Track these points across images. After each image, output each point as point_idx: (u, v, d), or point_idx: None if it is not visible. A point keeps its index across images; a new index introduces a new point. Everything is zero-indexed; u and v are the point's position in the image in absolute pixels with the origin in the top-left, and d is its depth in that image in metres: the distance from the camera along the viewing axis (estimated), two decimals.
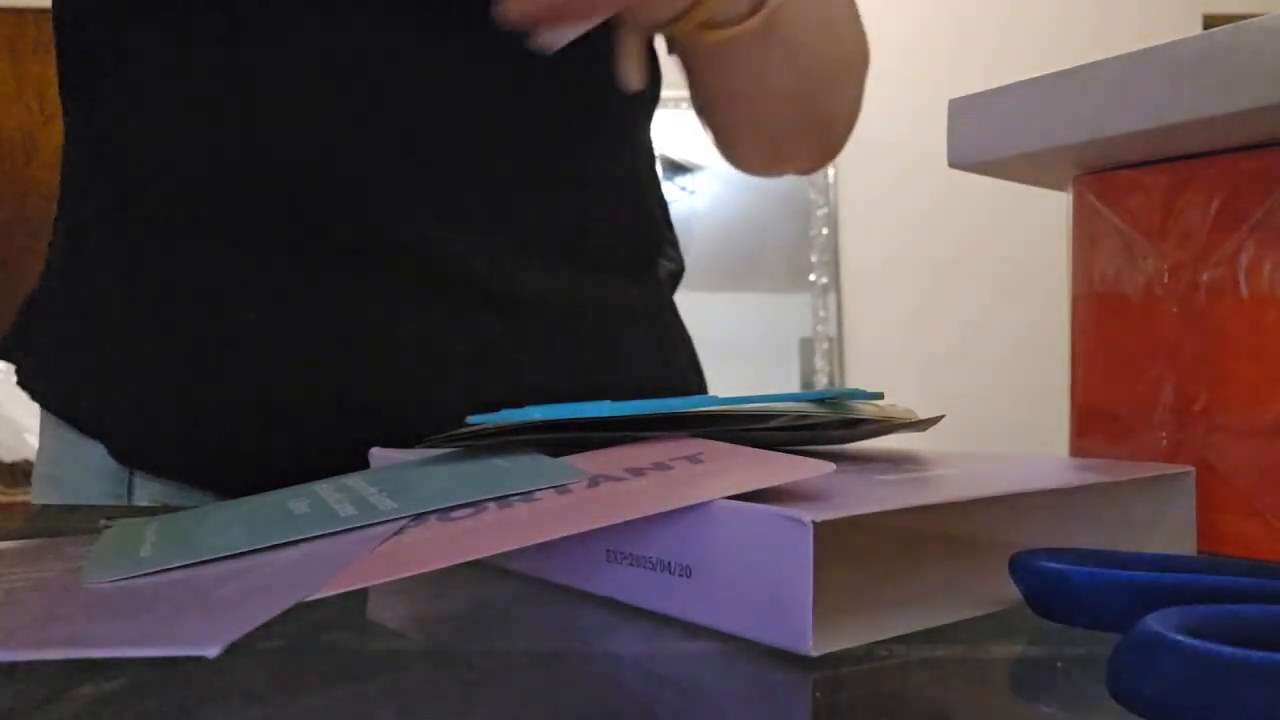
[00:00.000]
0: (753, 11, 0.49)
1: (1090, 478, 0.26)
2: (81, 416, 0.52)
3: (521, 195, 0.51)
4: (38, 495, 0.56)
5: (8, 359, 0.55)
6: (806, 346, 2.89)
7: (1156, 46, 0.30)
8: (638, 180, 0.58)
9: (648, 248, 0.59)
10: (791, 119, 0.59)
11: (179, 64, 0.48)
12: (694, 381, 0.61)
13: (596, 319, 0.54)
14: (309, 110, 0.47)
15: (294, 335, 0.48)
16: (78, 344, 0.52)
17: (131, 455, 0.51)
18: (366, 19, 0.47)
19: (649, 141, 0.60)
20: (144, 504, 0.50)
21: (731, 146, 0.61)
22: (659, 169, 0.62)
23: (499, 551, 0.20)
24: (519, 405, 0.38)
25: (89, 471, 0.52)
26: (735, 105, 0.58)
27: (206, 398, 0.48)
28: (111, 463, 0.51)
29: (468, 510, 0.24)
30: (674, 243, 0.61)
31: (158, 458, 0.50)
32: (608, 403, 0.29)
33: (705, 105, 0.59)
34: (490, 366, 0.50)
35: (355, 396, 0.48)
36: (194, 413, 0.48)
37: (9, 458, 1.44)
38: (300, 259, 0.48)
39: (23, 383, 0.55)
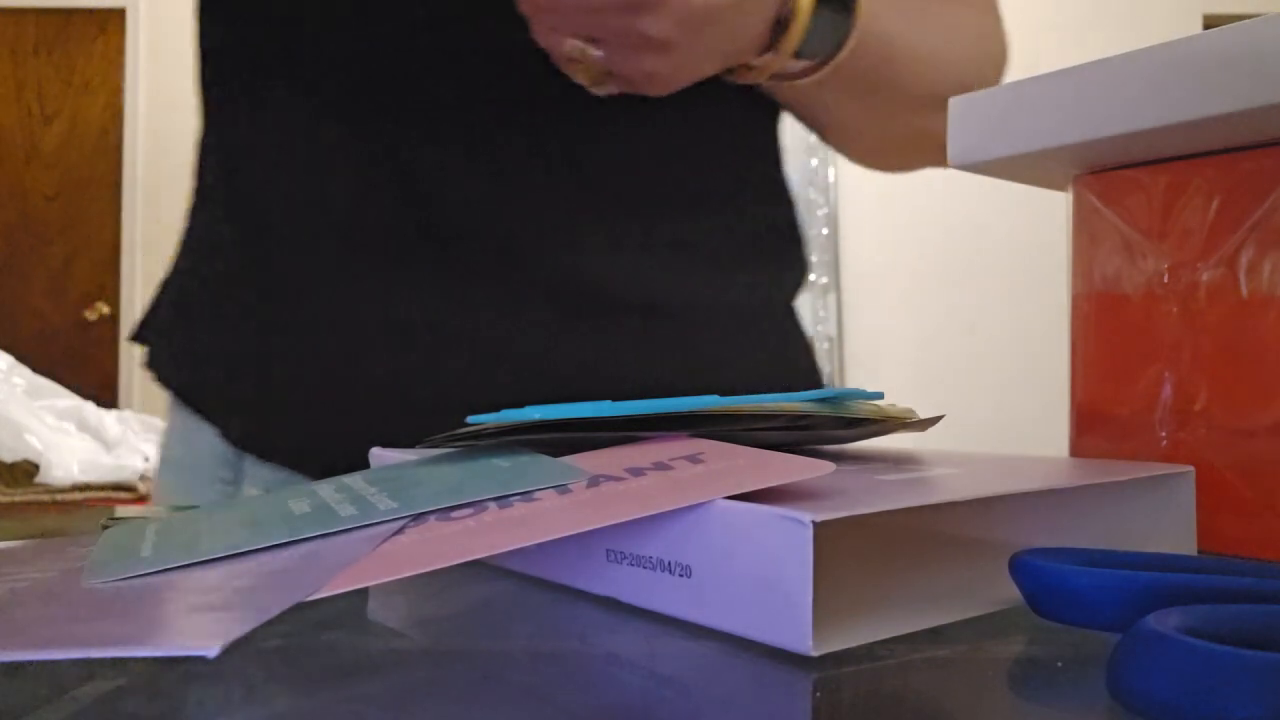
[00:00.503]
0: (816, 68, 0.47)
1: (1090, 478, 0.26)
2: (198, 398, 0.53)
3: (646, 197, 0.51)
4: (159, 476, 0.58)
5: (141, 342, 0.57)
6: None
7: (1156, 46, 0.30)
8: (767, 180, 0.57)
9: (776, 249, 0.57)
10: (881, 142, 0.58)
11: (321, 73, 0.49)
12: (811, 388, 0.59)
13: (717, 321, 0.53)
14: (447, 126, 0.48)
15: (414, 328, 0.48)
16: (200, 325, 0.53)
17: (245, 439, 0.51)
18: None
19: (777, 142, 0.58)
20: (251, 493, 0.52)
21: (837, 150, 0.60)
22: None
23: (499, 551, 0.20)
24: None
25: (203, 455, 0.53)
26: (815, 127, 0.57)
27: (325, 384, 0.49)
28: (223, 447, 0.52)
29: (468, 510, 0.24)
30: (800, 245, 0.60)
31: (271, 440, 0.51)
32: (607, 403, 0.29)
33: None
34: (606, 368, 0.49)
35: (473, 390, 0.48)
36: (310, 398, 0.49)
37: (9, 458, 1.44)
38: (423, 255, 0.48)
39: (150, 364, 0.56)
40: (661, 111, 0.48)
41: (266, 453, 0.51)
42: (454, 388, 0.48)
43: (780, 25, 0.45)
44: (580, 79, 0.44)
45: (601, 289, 0.50)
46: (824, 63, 0.47)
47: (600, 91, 0.44)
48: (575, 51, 0.42)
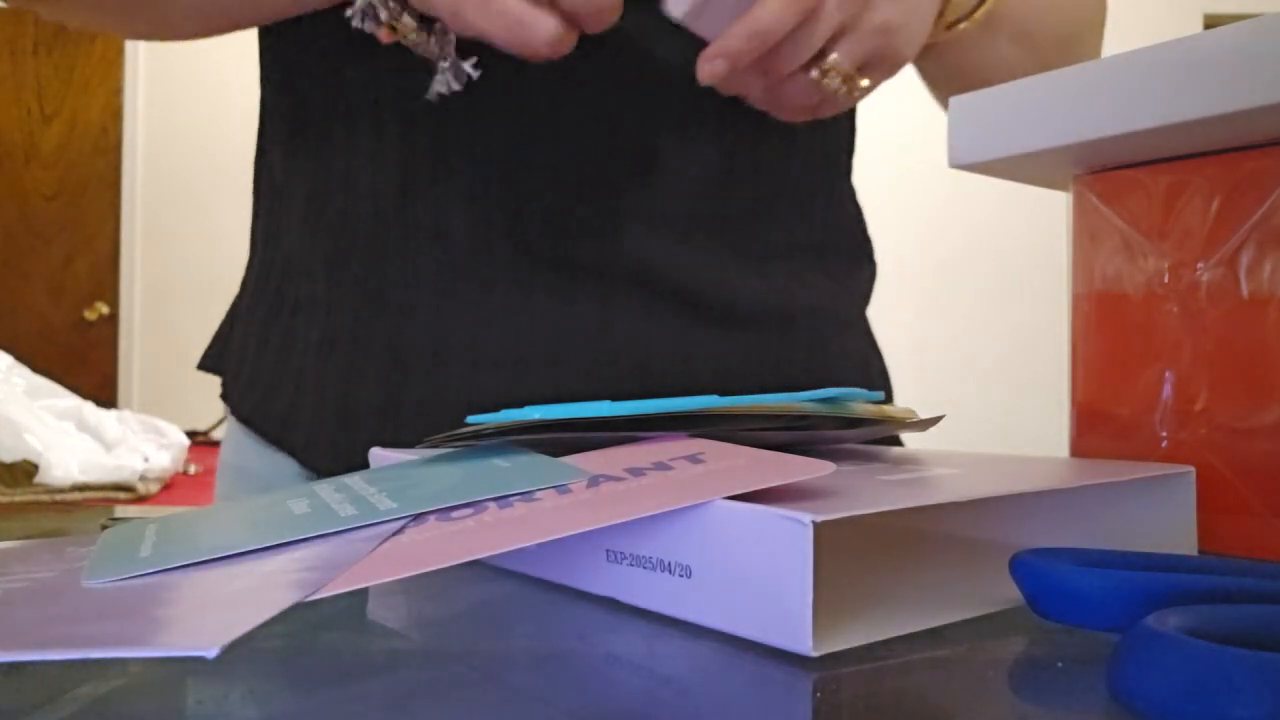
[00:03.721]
0: (978, 6, 0.48)
1: (1090, 478, 0.26)
2: (271, 429, 0.52)
3: (735, 202, 0.51)
4: (222, 481, 0.56)
5: (212, 371, 0.56)
6: None
7: (1156, 46, 0.30)
8: (842, 182, 0.57)
9: (853, 252, 0.57)
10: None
11: (390, 93, 0.48)
12: (884, 390, 0.59)
13: (807, 326, 0.53)
14: (520, 134, 0.47)
15: (503, 347, 0.47)
16: (273, 353, 0.52)
17: (323, 469, 0.50)
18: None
19: (851, 141, 0.58)
20: None
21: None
22: None
23: (499, 551, 0.20)
24: None
25: (277, 469, 0.52)
26: (963, 86, 0.57)
27: (407, 409, 0.48)
28: (298, 467, 0.51)
29: (468, 510, 0.24)
30: (870, 248, 0.60)
31: (350, 470, 0.49)
32: (607, 403, 0.29)
33: (931, 86, 0.58)
34: (700, 375, 0.49)
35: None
36: (392, 424, 0.48)
37: (8, 458, 1.43)
38: (509, 271, 0.47)
39: (223, 395, 0.55)
40: (752, 123, 0.47)
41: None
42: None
43: None
44: (836, 103, 0.43)
45: (680, 290, 0.49)
46: None
47: (856, 97, 0.43)
48: (818, 79, 0.41)
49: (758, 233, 0.51)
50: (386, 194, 0.48)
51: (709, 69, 0.40)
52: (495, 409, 0.46)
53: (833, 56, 0.41)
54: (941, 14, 0.47)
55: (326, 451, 0.50)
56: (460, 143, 0.47)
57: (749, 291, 0.50)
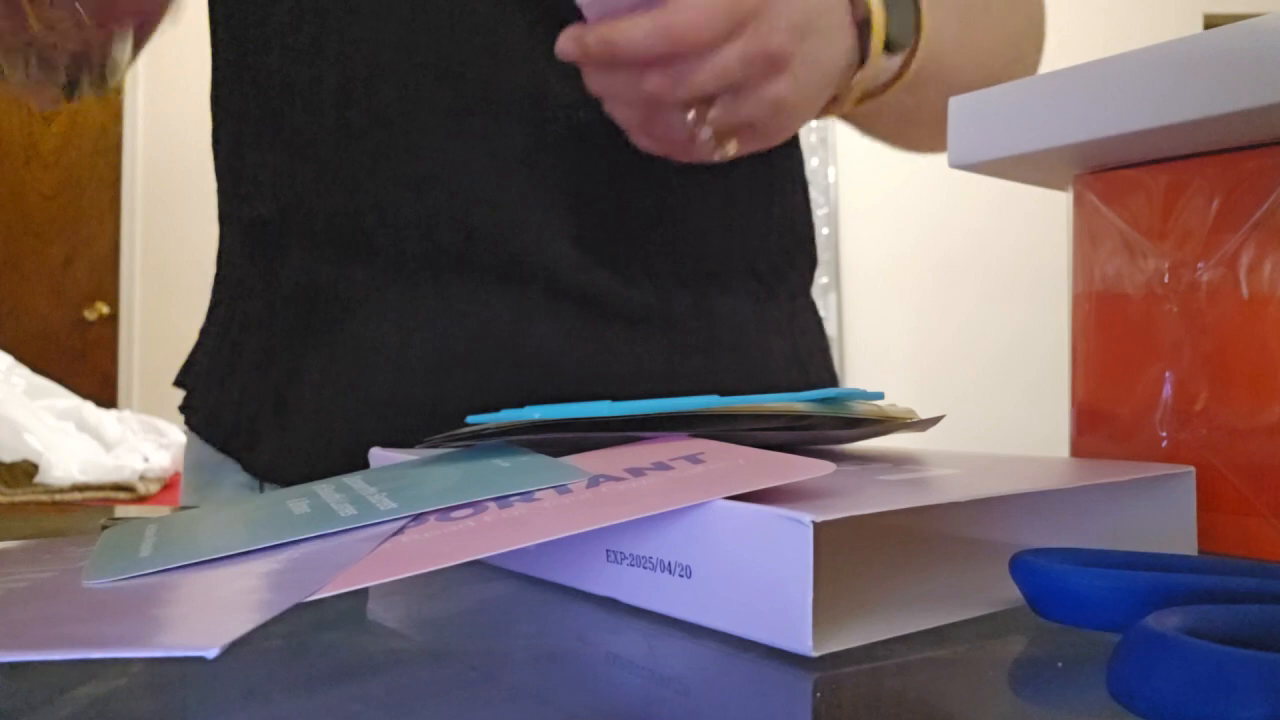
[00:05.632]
0: (896, 77, 0.47)
1: (1090, 478, 0.26)
2: (218, 439, 0.54)
3: (656, 212, 0.51)
4: (186, 478, 0.59)
5: (182, 387, 0.58)
6: None
7: (1156, 46, 0.30)
8: (779, 186, 0.57)
9: (789, 256, 0.57)
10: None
11: (327, 113, 0.50)
12: (828, 384, 0.60)
13: (731, 328, 0.53)
14: (443, 139, 0.49)
15: (428, 350, 0.49)
16: (221, 367, 0.55)
17: (266, 473, 0.52)
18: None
19: (794, 143, 0.58)
20: None
21: (900, 148, 0.61)
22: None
23: (499, 551, 0.20)
24: None
25: (227, 469, 0.54)
26: (892, 135, 0.58)
27: (342, 405, 0.49)
28: (247, 475, 0.53)
29: (468, 510, 0.24)
30: (810, 241, 0.60)
31: (290, 471, 0.51)
32: (607, 403, 0.29)
33: (862, 132, 0.59)
34: (622, 382, 0.50)
35: (489, 405, 0.48)
36: (329, 426, 0.49)
37: (9, 458, 1.43)
38: (430, 277, 0.49)
39: (182, 407, 0.58)
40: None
41: (287, 482, 0.51)
42: (493, 408, 0.48)
43: (863, 28, 0.44)
44: (700, 153, 0.42)
45: (600, 296, 0.50)
46: (911, 55, 0.47)
47: (728, 153, 0.43)
48: (693, 123, 0.41)
49: (667, 242, 0.52)
50: (313, 210, 0.50)
51: (560, 43, 0.40)
52: (424, 412, 0.48)
53: (715, 110, 0.41)
54: (850, 89, 0.46)
55: (268, 455, 0.52)
56: (370, 158, 0.49)
57: (662, 296, 0.51)
